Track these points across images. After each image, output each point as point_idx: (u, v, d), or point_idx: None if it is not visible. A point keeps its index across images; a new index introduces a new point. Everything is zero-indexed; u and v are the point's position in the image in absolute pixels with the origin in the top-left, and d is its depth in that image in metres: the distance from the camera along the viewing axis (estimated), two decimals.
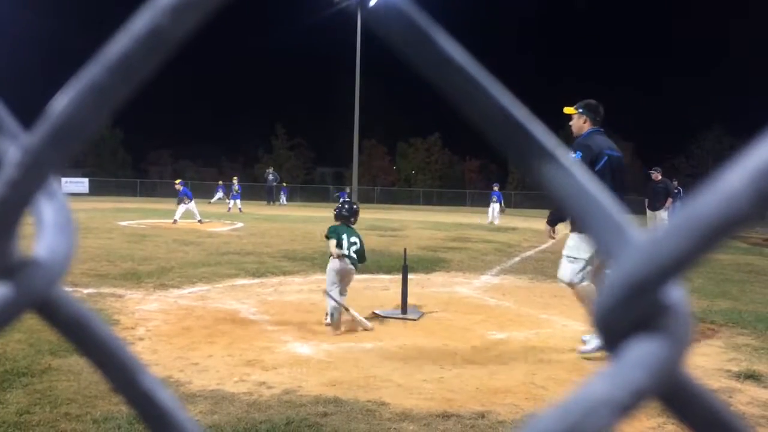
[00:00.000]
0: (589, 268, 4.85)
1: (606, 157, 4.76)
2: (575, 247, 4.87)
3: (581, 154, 4.77)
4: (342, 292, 5.57)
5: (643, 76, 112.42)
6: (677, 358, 0.25)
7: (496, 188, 25.54)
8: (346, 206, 5.98)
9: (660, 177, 14.99)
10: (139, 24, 0.26)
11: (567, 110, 5.10)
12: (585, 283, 4.87)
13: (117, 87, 0.27)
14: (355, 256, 5.60)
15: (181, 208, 18.01)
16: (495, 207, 24.42)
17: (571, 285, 4.92)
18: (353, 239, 5.65)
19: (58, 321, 0.33)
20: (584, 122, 5.00)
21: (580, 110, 5.01)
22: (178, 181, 19.78)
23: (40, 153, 0.28)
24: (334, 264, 5.50)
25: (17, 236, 0.31)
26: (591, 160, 4.73)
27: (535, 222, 22.80)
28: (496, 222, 23.31)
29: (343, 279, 5.57)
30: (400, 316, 5.98)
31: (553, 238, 5.19)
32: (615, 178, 4.76)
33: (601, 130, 4.99)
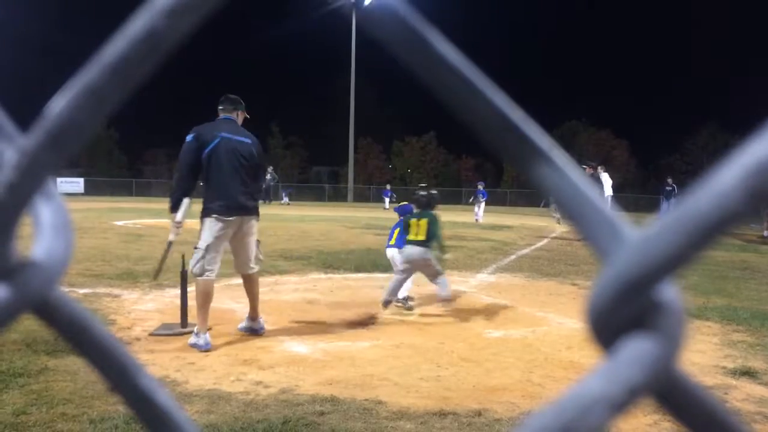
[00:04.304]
0: (208, 257, 4.75)
1: (217, 140, 4.74)
2: (200, 235, 4.84)
3: (191, 135, 4.77)
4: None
5: (640, 75, 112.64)
6: (671, 355, 0.25)
7: (481, 186, 25.07)
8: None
9: (592, 171, 14.75)
10: (135, 26, 0.26)
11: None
12: (202, 277, 4.76)
13: (113, 89, 0.27)
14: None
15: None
16: (481, 205, 24.11)
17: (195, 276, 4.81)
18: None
19: (56, 322, 0.33)
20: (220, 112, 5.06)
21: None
22: None
23: (37, 155, 0.28)
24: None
25: (15, 238, 0.31)
26: (201, 143, 4.72)
27: (531, 220, 22.83)
28: (481, 219, 23.10)
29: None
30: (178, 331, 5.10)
31: (179, 227, 4.89)
32: (232, 159, 4.76)
33: (231, 117, 5.01)
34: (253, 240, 5.02)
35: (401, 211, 6.91)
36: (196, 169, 4.77)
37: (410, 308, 6.37)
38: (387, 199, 36.95)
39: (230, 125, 4.94)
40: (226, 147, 4.75)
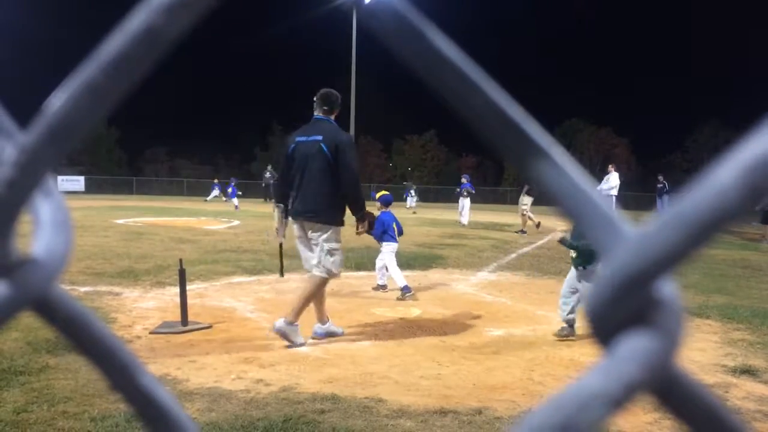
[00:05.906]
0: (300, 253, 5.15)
1: (293, 144, 4.92)
2: (333, 239, 4.92)
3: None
4: None
5: (640, 72, 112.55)
6: (670, 352, 0.25)
7: (465, 180, 19.55)
8: None
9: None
10: (134, 23, 0.26)
11: None
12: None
13: (112, 86, 0.27)
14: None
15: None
16: (465, 203, 19.14)
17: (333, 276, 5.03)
18: None
19: (56, 319, 0.34)
20: None
21: None
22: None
23: (36, 152, 0.28)
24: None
25: (14, 235, 0.31)
26: (287, 149, 4.99)
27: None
28: (465, 221, 18.75)
29: None
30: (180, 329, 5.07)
31: (277, 233, 5.36)
32: (300, 163, 4.83)
33: (319, 117, 4.95)
34: (318, 244, 4.90)
35: (384, 201, 7.51)
36: (286, 174, 4.98)
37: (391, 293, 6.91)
38: (410, 199, 32.92)
39: (311, 126, 4.94)
40: (297, 151, 4.87)
